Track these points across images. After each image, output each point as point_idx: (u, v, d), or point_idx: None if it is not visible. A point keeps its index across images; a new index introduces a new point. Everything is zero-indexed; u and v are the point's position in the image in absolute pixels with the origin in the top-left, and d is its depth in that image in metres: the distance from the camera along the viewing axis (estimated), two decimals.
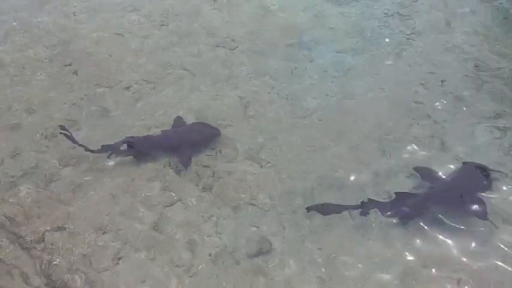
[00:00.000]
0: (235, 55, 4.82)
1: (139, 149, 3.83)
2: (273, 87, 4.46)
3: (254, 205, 3.55)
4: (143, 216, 3.52)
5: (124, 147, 3.80)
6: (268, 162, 3.83)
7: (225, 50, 4.89)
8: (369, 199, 3.33)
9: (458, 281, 3.10)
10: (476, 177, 3.51)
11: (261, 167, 3.81)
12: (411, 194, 3.42)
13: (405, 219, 3.35)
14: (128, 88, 4.51)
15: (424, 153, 3.84)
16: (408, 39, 4.90)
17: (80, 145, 3.77)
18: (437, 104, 4.22)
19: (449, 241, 3.28)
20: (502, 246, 3.24)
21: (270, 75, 4.59)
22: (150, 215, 3.52)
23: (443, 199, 3.38)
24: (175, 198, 3.63)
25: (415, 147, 3.88)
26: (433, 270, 3.16)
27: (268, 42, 4.96)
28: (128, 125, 4.15)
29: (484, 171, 3.54)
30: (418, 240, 3.30)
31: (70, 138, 3.80)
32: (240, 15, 5.33)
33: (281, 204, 3.56)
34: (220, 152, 3.91)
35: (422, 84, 4.41)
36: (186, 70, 4.68)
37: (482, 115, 4.09)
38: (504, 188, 3.54)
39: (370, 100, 4.29)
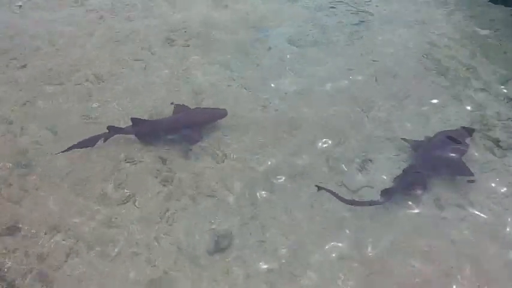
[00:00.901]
0: (190, 48, 4.78)
1: (144, 132, 3.87)
2: (229, 79, 4.44)
3: (213, 197, 3.54)
4: (97, 214, 3.44)
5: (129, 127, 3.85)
6: (227, 155, 3.81)
7: (180, 42, 4.83)
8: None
9: None
10: (452, 142, 3.76)
11: (220, 159, 3.79)
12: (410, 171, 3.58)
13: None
14: (79, 84, 4.40)
15: (379, 142, 3.90)
16: (358, 30, 4.97)
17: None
18: (388, 93, 4.29)
19: None
20: None
21: (225, 67, 4.57)
22: (104, 213, 3.45)
23: (433, 167, 3.62)
24: (130, 194, 3.56)
25: (369, 135, 3.95)
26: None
27: (223, 33, 4.93)
28: (81, 123, 4.05)
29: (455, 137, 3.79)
30: None
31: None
32: (194, 7, 5.27)
33: (240, 197, 3.55)
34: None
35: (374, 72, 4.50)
36: (139, 64, 4.60)
37: (428, 102, 4.20)
38: None
39: (325, 91, 4.33)
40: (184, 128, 3.90)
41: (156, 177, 3.66)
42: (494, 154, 3.74)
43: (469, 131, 3.83)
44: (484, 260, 3.13)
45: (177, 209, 3.47)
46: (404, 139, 3.84)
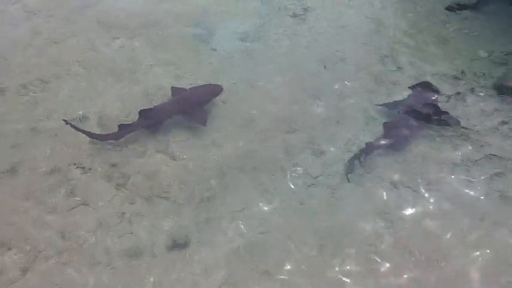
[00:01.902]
0: (135, 46, 4.69)
1: (154, 120, 3.86)
2: (177, 77, 4.39)
3: (168, 198, 3.54)
4: (51, 223, 3.38)
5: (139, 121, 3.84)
6: (179, 154, 3.81)
7: (122, 42, 4.73)
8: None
9: None
10: (427, 93, 4.11)
11: (172, 159, 3.78)
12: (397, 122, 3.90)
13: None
14: (22, 88, 4.27)
15: (328, 133, 3.97)
16: (304, 19, 4.99)
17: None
18: (339, 81, 4.36)
19: None
20: None
21: (173, 65, 4.51)
22: (58, 221, 3.39)
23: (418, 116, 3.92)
24: (82, 200, 3.51)
25: (320, 124, 4.03)
26: None
27: (168, 30, 4.85)
28: (26, 129, 3.94)
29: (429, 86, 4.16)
30: None
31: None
32: (135, 3, 5.15)
33: (194, 194, 3.56)
34: (128, 147, 3.84)
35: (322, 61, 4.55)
36: (83, 66, 4.47)
37: (375, 84, 4.32)
38: None
39: (273, 84, 4.36)
40: (188, 109, 3.95)
41: (109, 182, 3.62)
42: None
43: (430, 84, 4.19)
44: None
45: (133, 212, 3.44)
46: (378, 105, 4.06)
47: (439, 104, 4.00)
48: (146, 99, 4.19)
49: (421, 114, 3.91)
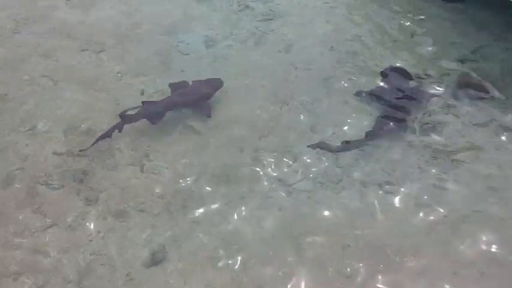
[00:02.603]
0: (103, 58, 4.57)
1: (155, 112, 3.92)
2: (147, 86, 4.30)
3: (142, 211, 3.41)
4: (19, 245, 3.21)
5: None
6: (151, 165, 3.70)
7: (90, 53, 4.61)
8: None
9: None
10: (401, 76, 4.32)
11: (144, 171, 3.66)
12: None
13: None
14: None
15: (303, 137, 3.92)
16: (271, 25, 4.99)
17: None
18: (307, 86, 4.33)
19: None
20: None
21: (143, 74, 4.42)
22: (27, 243, 3.23)
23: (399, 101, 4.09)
24: (51, 220, 3.35)
25: (292, 129, 3.98)
26: None
27: (137, 40, 4.77)
28: None
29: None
30: None
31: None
32: (103, 14, 5.06)
33: (170, 206, 3.45)
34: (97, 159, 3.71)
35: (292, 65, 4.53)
36: (50, 78, 4.33)
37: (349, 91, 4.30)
38: None
39: (245, 91, 4.29)
40: (192, 102, 4.08)
41: (79, 198, 3.48)
42: None
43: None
44: None
45: (106, 228, 3.31)
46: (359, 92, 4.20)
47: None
48: (116, 108, 4.07)
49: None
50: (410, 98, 4.12)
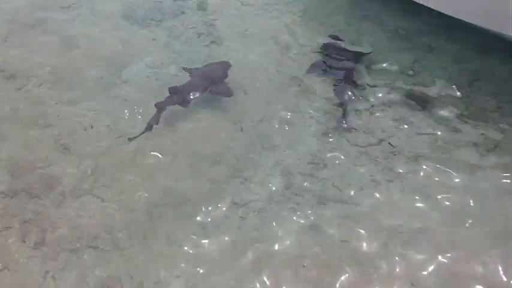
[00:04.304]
0: (42, 93, 4.44)
1: (184, 95, 4.18)
2: (89, 117, 4.22)
3: (94, 247, 3.33)
4: None
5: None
6: (100, 197, 3.62)
7: (28, 89, 4.47)
8: None
9: None
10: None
11: (94, 203, 3.58)
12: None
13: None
14: None
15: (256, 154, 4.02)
16: (213, 50, 5.03)
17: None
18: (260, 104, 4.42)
19: None
20: None
21: (84, 105, 4.33)
22: None
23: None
24: (1, 265, 3.22)
25: (244, 151, 4.03)
26: None
27: (77, 74, 4.66)
28: None
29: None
30: None
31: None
32: (39, 49, 4.92)
33: (123, 238, 3.39)
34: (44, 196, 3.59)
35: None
36: None
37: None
38: None
39: (192, 113, 4.29)
40: (212, 84, 4.33)
41: (26, 239, 3.35)
42: None
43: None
44: None
45: (57, 269, 3.20)
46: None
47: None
48: (58, 140, 4.01)
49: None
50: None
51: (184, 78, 4.45)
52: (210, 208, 3.59)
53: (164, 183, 3.75)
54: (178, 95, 4.19)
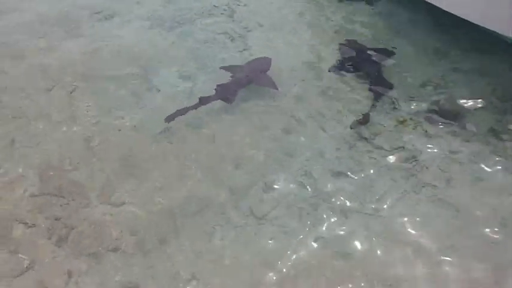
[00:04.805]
0: (74, 94, 4.56)
1: (229, 92, 4.36)
2: (119, 121, 4.29)
3: (116, 250, 3.36)
4: None
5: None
6: (124, 202, 3.66)
7: (61, 90, 4.59)
8: None
9: None
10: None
11: (117, 207, 3.63)
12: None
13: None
14: None
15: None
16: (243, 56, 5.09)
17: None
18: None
19: None
20: None
21: (115, 109, 4.42)
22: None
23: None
24: (28, 261, 3.27)
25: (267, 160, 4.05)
26: None
27: (107, 76, 4.77)
28: None
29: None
30: None
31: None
32: (71, 52, 5.08)
33: (146, 242, 3.41)
34: (71, 198, 3.65)
35: None
36: (20, 119, 4.29)
37: None
38: None
39: (219, 123, 4.31)
40: (257, 78, 4.52)
41: (51, 238, 3.41)
42: None
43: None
44: None
45: (79, 270, 3.24)
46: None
47: None
48: (87, 144, 4.07)
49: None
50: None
51: (211, 82, 4.54)
52: (230, 214, 3.59)
53: (186, 188, 3.77)
54: (223, 90, 4.33)
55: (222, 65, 4.77)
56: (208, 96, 4.30)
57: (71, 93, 4.57)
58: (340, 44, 5.16)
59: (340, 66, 4.84)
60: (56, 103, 4.45)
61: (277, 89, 4.44)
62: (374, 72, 4.70)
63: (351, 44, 5.13)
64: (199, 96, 4.29)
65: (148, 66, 4.93)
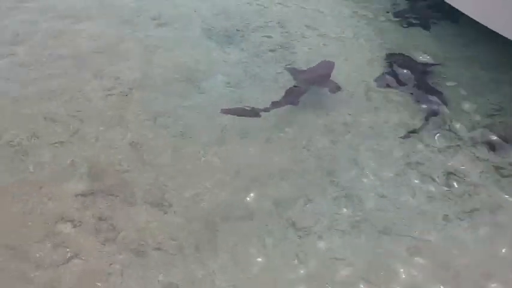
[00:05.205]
0: (126, 97, 4.72)
1: (296, 94, 4.54)
2: (167, 127, 4.40)
3: (160, 249, 3.43)
4: (35, 279, 3.23)
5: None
6: (170, 205, 3.73)
7: (116, 93, 4.76)
8: None
9: None
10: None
11: (162, 210, 3.70)
12: None
13: None
14: (9, 143, 4.20)
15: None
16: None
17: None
18: None
19: None
20: None
21: (164, 115, 4.53)
22: (44, 276, 3.25)
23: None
24: (71, 255, 3.38)
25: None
26: None
27: (158, 82, 4.91)
28: (11, 183, 3.85)
29: None
30: None
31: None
32: (127, 55, 5.26)
33: (186, 247, 3.46)
34: (118, 199, 3.77)
35: None
36: (74, 117, 4.46)
37: None
38: None
39: (264, 138, 4.31)
40: (320, 81, 4.68)
41: (98, 236, 3.52)
42: None
43: None
44: None
45: (123, 265, 3.33)
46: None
47: None
48: (134, 146, 4.19)
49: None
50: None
51: (260, 92, 4.63)
52: (270, 226, 3.59)
53: (230, 196, 3.81)
54: (291, 94, 4.52)
55: (287, 66, 4.97)
56: (279, 101, 4.46)
57: (124, 97, 4.74)
58: (391, 60, 5.15)
59: (389, 74, 4.88)
60: (109, 106, 4.62)
61: (337, 90, 4.59)
62: (424, 85, 4.71)
63: (405, 60, 5.12)
64: (272, 102, 4.43)
65: (199, 75, 5.04)
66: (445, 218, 3.62)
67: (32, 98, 4.68)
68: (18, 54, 5.26)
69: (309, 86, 4.67)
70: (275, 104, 4.44)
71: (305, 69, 4.94)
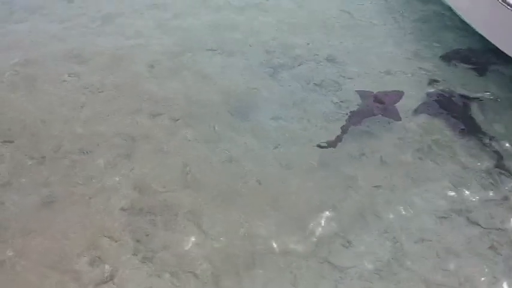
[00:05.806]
0: (177, 122, 4.84)
1: (359, 117, 4.72)
2: (214, 154, 4.47)
3: (196, 275, 3.46)
4: None
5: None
6: (209, 230, 3.77)
7: (164, 118, 4.89)
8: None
9: None
10: None
11: (203, 233, 3.74)
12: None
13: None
14: (63, 158, 4.40)
15: None
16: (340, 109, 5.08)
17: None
18: None
19: None
20: None
21: (212, 142, 4.61)
22: None
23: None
24: (110, 271, 3.47)
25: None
26: None
27: (209, 109, 5.02)
28: (62, 195, 4.03)
29: None
30: None
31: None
32: (179, 82, 5.41)
33: (223, 273, 3.48)
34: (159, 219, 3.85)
35: None
36: (125, 139, 4.63)
37: None
38: None
39: (306, 170, 4.31)
40: (384, 107, 4.81)
41: (136, 255, 3.59)
42: None
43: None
44: None
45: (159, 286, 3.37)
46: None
47: None
48: (183, 170, 4.28)
49: None
50: None
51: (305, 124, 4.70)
52: (307, 264, 3.54)
53: (269, 229, 3.80)
54: (355, 116, 4.70)
55: (356, 89, 5.10)
56: (346, 124, 4.63)
57: (175, 122, 4.86)
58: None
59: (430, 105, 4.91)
60: (159, 129, 4.76)
61: (399, 120, 4.66)
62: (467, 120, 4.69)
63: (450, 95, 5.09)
64: (341, 126, 4.59)
65: (248, 105, 5.11)
66: (491, 273, 3.45)
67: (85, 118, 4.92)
68: None
69: (375, 111, 4.76)
70: (343, 129, 4.57)
71: (375, 93, 5.01)
